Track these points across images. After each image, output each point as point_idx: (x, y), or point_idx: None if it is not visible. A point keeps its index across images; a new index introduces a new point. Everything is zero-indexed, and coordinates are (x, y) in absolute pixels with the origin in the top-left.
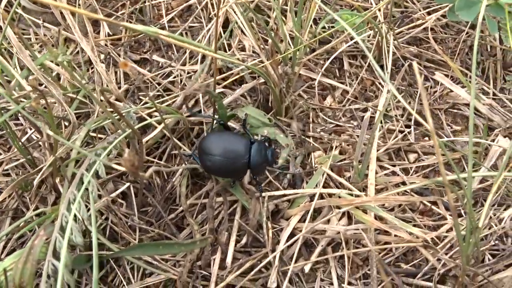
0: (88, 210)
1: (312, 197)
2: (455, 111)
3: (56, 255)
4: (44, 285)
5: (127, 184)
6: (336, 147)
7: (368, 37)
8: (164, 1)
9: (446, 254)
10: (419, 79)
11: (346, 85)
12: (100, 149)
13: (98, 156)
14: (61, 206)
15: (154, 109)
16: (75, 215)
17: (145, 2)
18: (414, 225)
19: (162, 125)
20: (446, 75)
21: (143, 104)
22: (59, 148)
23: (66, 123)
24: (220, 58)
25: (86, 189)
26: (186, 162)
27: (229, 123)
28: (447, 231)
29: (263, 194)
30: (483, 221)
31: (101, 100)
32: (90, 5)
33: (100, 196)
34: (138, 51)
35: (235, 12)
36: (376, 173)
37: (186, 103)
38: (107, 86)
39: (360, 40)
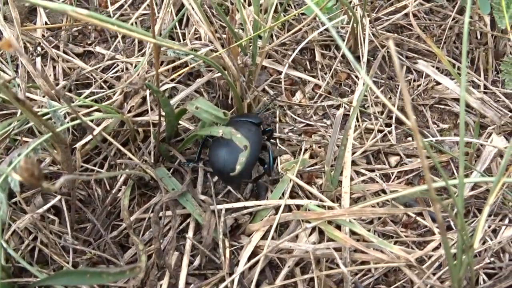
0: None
1: (277, 209)
2: (442, 107)
3: None
4: None
5: (59, 197)
6: (306, 149)
7: (342, 23)
8: None
9: (434, 274)
10: (397, 66)
11: (318, 79)
12: (15, 157)
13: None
14: None
15: (93, 108)
16: None
17: None
18: (397, 241)
19: (99, 128)
20: (432, 66)
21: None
22: None
23: None
24: (158, 43)
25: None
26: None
27: (181, 122)
28: (434, 250)
29: (219, 206)
30: (478, 239)
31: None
32: None
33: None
34: (82, 43)
35: None
36: (352, 179)
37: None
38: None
39: (332, 27)
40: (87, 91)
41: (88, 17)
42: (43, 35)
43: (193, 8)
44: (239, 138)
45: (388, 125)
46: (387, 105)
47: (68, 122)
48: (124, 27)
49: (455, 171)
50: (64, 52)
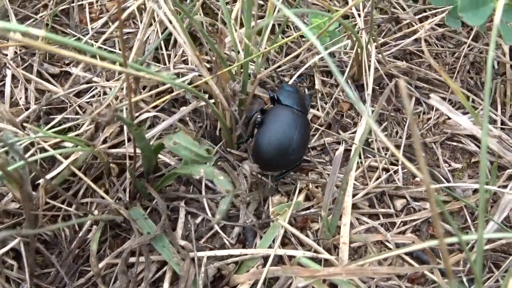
0: None
1: (266, 258)
2: (454, 143)
3: None
4: None
5: (18, 239)
6: (301, 189)
7: (345, 48)
8: (97, 1)
9: None
10: (406, 103)
11: (317, 109)
12: None
13: None
14: None
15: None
16: None
17: (72, 1)
18: None
19: (66, 162)
20: (443, 98)
21: (50, 129)
22: None
23: None
24: (127, 72)
25: None
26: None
27: (161, 156)
28: None
29: (200, 253)
30: None
31: None
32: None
33: None
34: (59, 63)
35: (164, 13)
36: (352, 226)
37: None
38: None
39: (327, 56)
40: (59, 117)
41: (43, 44)
42: (15, 52)
43: (177, 31)
44: (222, 181)
45: (393, 163)
46: (393, 140)
47: (35, 153)
48: (92, 52)
49: (468, 218)
50: (39, 72)
